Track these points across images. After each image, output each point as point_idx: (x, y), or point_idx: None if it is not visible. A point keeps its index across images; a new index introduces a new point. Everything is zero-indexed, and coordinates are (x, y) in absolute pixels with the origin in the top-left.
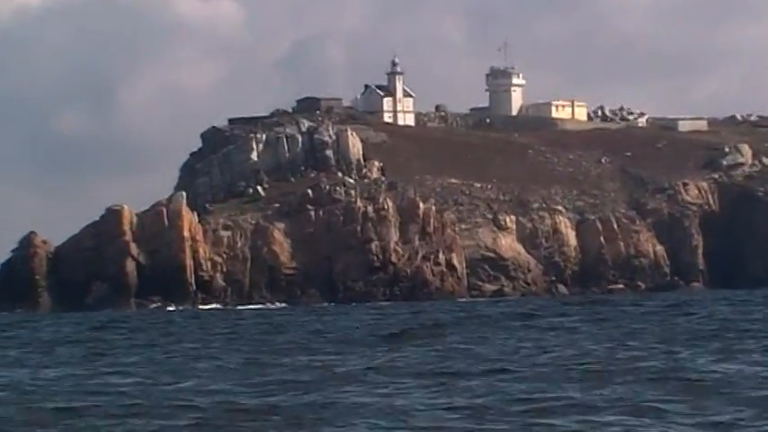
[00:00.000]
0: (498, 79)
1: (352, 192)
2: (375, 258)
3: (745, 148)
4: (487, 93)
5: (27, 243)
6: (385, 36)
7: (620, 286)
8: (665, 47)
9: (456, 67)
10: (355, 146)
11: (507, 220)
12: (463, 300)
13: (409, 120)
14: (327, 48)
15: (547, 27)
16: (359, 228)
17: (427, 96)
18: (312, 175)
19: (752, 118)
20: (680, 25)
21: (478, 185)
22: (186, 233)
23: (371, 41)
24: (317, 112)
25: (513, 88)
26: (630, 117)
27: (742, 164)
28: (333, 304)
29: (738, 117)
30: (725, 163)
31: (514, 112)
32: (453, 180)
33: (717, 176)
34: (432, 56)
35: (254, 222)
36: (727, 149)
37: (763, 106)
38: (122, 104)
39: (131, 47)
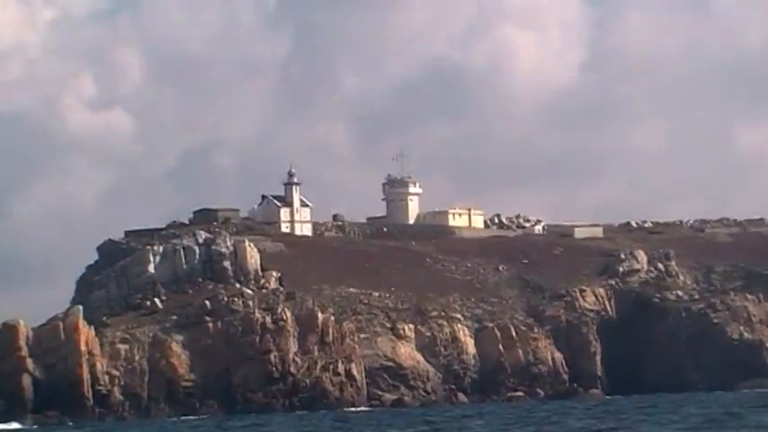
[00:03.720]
0: (395, 188)
1: (251, 302)
2: (274, 369)
3: (641, 254)
4: (384, 202)
5: None
6: (276, 144)
7: (520, 393)
8: (552, 153)
9: (352, 175)
10: (253, 256)
11: (406, 328)
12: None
13: (306, 230)
14: (217, 156)
15: (436, 134)
16: (257, 338)
17: (324, 206)
18: (210, 286)
19: (646, 224)
20: (563, 131)
21: (377, 294)
22: (83, 347)
23: (262, 150)
24: (214, 223)
25: (409, 197)
26: (527, 224)
27: (638, 270)
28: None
29: (633, 224)
30: (621, 269)
31: (411, 221)
32: (352, 289)
33: (613, 283)
34: (326, 165)
35: (151, 335)
36: (622, 256)
37: (649, 210)
38: (12, 217)
39: (20, 158)
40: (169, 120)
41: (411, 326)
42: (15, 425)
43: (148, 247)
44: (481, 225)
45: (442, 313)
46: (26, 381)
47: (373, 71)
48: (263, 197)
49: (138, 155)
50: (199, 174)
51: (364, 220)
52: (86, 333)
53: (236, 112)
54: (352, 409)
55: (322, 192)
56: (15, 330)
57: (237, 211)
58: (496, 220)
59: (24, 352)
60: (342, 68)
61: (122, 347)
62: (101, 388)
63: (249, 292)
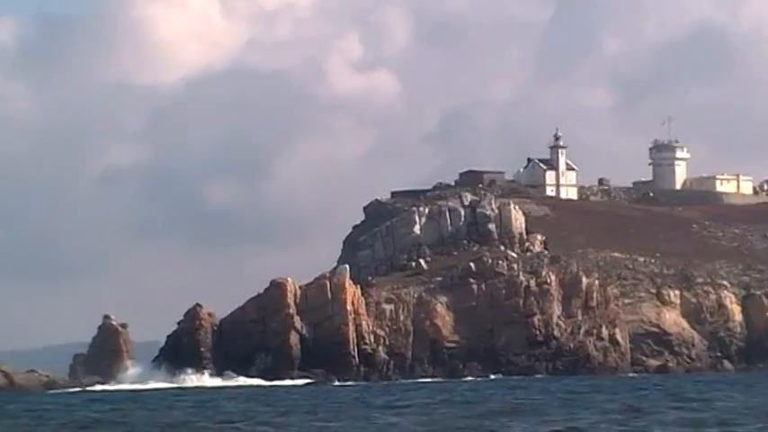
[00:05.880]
0: (662, 153)
1: (515, 265)
2: (538, 332)
3: None
4: (650, 166)
5: (193, 315)
6: (539, 107)
7: None
8: None
9: (615, 139)
10: (518, 219)
11: (671, 294)
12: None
13: (572, 193)
14: (480, 118)
15: (701, 98)
16: (521, 301)
17: (588, 169)
18: (474, 248)
19: None
20: None
21: (642, 260)
22: (350, 306)
23: (524, 113)
24: (480, 185)
25: (676, 162)
26: None
27: None
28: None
29: None
30: None
31: (678, 186)
32: (616, 254)
33: None
34: (589, 128)
35: (416, 295)
36: None
37: None
38: (277, 176)
39: (284, 118)
40: (431, 81)
41: (676, 292)
42: (293, 381)
43: (414, 208)
44: (749, 191)
45: (708, 280)
46: (294, 338)
47: (634, 34)
48: (529, 160)
49: (401, 115)
50: (461, 135)
51: (629, 185)
52: (353, 292)
53: (497, 75)
54: (621, 375)
55: (586, 155)
56: (284, 288)
57: (503, 173)
58: (765, 187)
59: (292, 310)
60: (603, 31)
61: (387, 307)
62: (366, 347)
63: (514, 254)
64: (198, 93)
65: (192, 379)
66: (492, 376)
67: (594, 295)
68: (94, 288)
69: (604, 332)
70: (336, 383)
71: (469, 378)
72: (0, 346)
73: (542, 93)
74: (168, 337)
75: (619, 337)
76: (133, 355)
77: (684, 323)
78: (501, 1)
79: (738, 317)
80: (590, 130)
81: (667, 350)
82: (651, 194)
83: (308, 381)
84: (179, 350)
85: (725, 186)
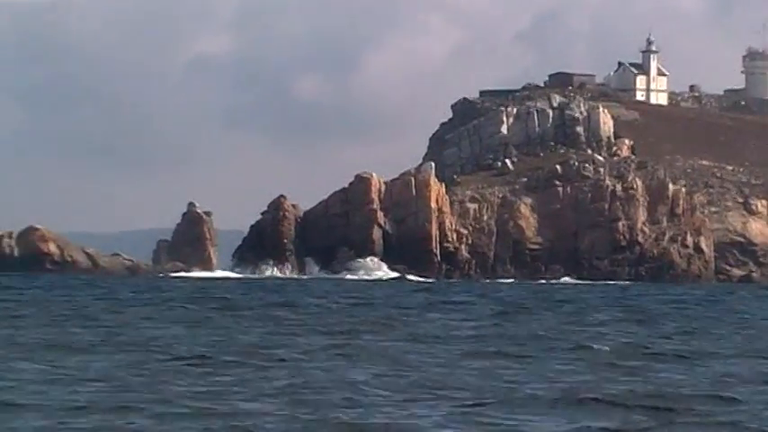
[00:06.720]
0: (756, 61)
1: (601, 169)
2: (621, 237)
3: None
4: (743, 74)
5: (277, 206)
6: (632, 10)
7: None
8: None
9: (710, 45)
10: (606, 123)
11: (758, 204)
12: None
13: (662, 99)
14: (572, 19)
15: None
16: (606, 206)
17: (680, 75)
18: (561, 150)
19: None
20: None
21: (730, 168)
22: (434, 204)
23: (617, 16)
24: (569, 87)
25: None
26: None
27: None
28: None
29: None
30: None
31: None
32: (705, 162)
33: None
34: (683, 33)
35: (501, 196)
36: None
37: None
38: (366, 70)
39: (377, 11)
40: None
41: (764, 202)
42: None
43: (502, 108)
44: None
45: None
46: (376, 233)
47: None
48: (620, 64)
49: (493, 14)
50: (553, 36)
51: (721, 92)
52: (437, 190)
53: None
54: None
55: (678, 61)
56: (368, 183)
57: (593, 76)
58: None
59: (376, 205)
60: None
61: (471, 206)
62: (448, 245)
63: (600, 158)
64: None
65: (274, 270)
66: (564, 279)
67: (680, 202)
68: (180, 175)
69: (689, 240)
70: (419, 279)
71: (542, 281)
72: (86, 228)
73: None
74: (251, 227)
75: (703, 245)
76: (216, 242)
77: None
78: None
79: None
80: (683, 35)
81: (752, 260)
82: (742, 103)
83: (392, 276)
84: (262, 241)
85: None
